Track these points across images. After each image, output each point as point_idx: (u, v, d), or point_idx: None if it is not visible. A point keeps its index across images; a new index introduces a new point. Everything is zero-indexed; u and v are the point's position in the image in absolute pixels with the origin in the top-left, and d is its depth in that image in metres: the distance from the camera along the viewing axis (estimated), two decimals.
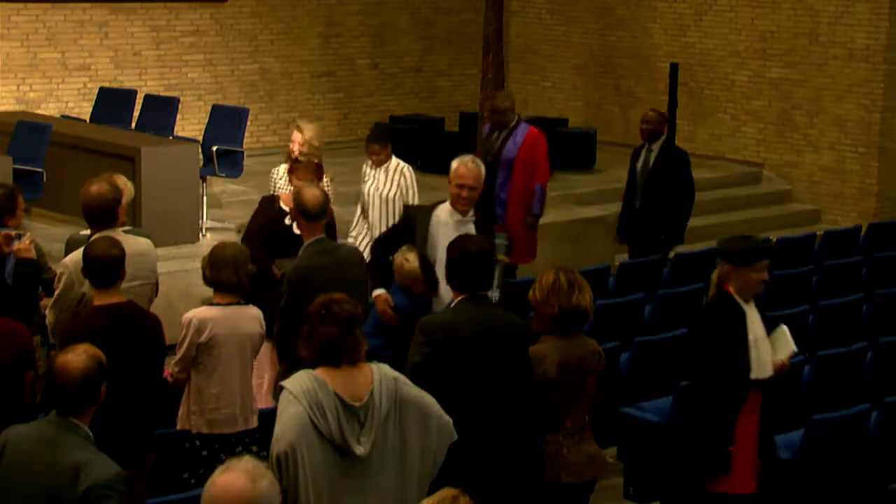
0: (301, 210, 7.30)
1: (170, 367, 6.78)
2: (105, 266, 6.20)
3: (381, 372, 5.04)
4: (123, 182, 7.59)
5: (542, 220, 13.16)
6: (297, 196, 7.38)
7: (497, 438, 5.79)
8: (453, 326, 5.83)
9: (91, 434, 4.71)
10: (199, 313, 6.71)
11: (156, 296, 7.40)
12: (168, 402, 6.91)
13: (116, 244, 6.31)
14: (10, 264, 7.39)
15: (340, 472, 4.88)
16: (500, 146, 10.88)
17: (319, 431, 4.82)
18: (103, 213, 6.98)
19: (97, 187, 7.05)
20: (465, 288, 5.93)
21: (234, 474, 3.65)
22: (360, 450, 4.87)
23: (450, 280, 6.02)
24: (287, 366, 6.87)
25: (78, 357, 4.76)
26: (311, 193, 7.38)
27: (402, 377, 5.11)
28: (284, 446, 4.78)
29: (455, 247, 6.10)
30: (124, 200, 7.33)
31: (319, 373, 4.94)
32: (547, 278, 6.02)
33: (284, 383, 4.96)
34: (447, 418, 5.11)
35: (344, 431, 4.85)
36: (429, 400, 5.11)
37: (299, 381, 4.90)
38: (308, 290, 6.55)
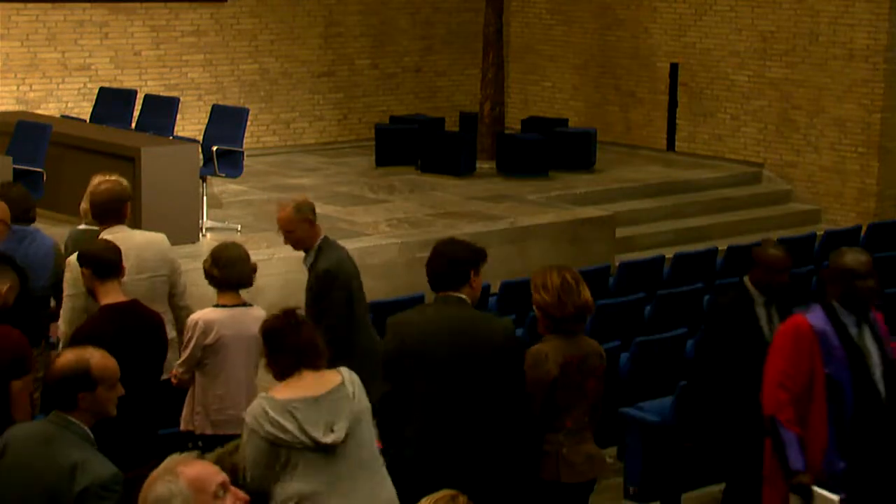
0: (307, 217, 7.39)
1: (174, 369, 6.78)
2: (104, 258, 6.34)
3: (350, 372, 5.16)
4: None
5: (542, 220, 13.22)
6: (304, 204, 7.44)
7: (479, 438, 5.74)
8: (416, 323, 5.83)
9: (90, 434, 4.69)
10: (205, 315, 6.71)
11: (179, 290, 7.39)
12: (171, 403, 6.90)
13: (109, 242, 6.45)
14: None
15: (322, 469, 4.96)
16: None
17: (289, 445, 4.91)
18: (114, 210, 7.10)
19: (107, 184, 7.17)
20: (433, 287, 5.91)
21: (156, 469, 3.66)
22: (330, 437, 4.93)
23: (429, 280, 6.00)
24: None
25: (65, 357, 4.76)
26: (302, 198, 7.55)
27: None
28: (256, 487, 4.88)
29: (435, 249, 6.11)
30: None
31: (273, 390, 5.05)
32: (552, 280, 5.94)
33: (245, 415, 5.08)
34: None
35: (307, 429, 4.92)
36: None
37: (252, 412, 5.00)
38: (347, 281, 7.26)
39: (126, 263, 6.85)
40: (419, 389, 5.69)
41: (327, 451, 4.94)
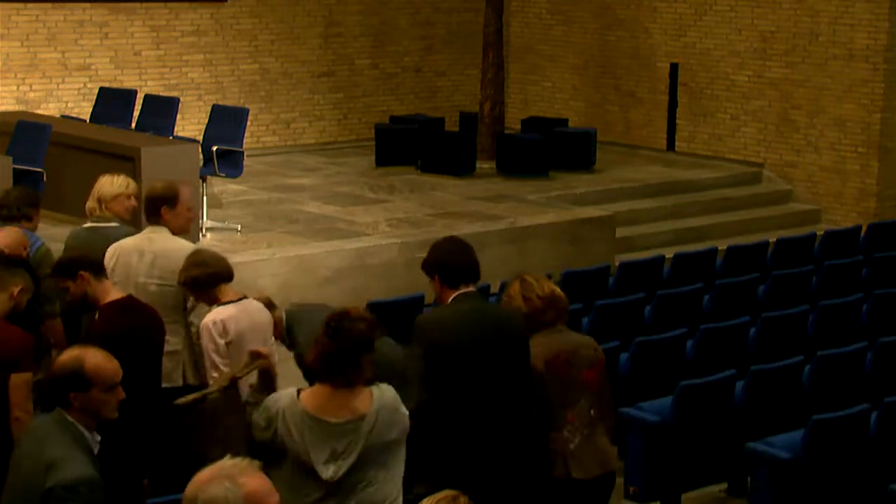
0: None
1: (216, 378, 6.61)
2: (95, 258, 6.44)
3: (382, 396, 4.95)
4: (127, 181, 7.72)
5: (542, 220, 13.21)
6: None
7: (501, 435, 5.78)
8: (447, 322, 5.84)
9: (85, 434, 4.66)
10: (215, 316, 6.56)
11: (191, 304, 7.10)
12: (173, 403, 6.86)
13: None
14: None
15: (316, 490, 4.84)
16: None
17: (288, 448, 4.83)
18: (154, 209, 7.20)
19: (161, 183, 7.29)
20: (455, 284, 5.92)
21: (213, 466, 3.59)
22: (327, 473, 4.81)
23: (442, 279, 5.99)
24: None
25: (65, 356, 4.77)
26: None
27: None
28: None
29: (438, 246, 6.11)
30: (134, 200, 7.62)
31: (307, 390, 4.92)
32: (514, 288, 6.16)
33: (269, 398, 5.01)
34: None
35: (310, 453, 4.80)
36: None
37: (279, 402, 4.91)
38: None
39: (141, 265, 6.92)
40: (460, 388, 5.71)
41: (318, 480, 4.83)
